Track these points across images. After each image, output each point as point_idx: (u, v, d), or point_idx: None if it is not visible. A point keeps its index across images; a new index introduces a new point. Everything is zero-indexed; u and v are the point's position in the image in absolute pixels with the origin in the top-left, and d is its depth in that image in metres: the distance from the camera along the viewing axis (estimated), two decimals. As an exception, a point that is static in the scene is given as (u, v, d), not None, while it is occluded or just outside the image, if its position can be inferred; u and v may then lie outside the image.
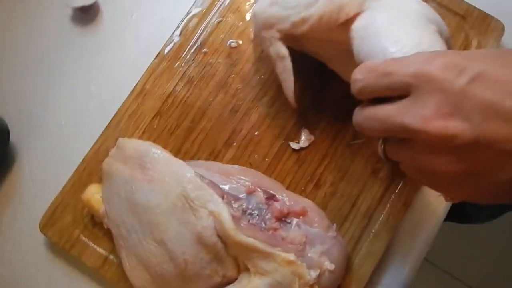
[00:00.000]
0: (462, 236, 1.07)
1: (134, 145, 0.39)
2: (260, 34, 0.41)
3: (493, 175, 0.25)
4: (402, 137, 0.28)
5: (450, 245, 1.02)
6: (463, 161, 0.25)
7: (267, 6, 0.39)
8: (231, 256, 0.35)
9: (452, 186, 0.27)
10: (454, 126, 0.24)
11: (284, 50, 0.39)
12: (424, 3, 0.38)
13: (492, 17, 0.47)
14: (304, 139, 0.45)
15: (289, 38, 0.40)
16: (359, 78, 0.30)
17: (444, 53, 0.27)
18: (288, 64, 0.40)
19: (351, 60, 0.36)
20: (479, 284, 1.11)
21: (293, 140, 0.45)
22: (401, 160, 0.30)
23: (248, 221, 0.35)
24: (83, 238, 0.44)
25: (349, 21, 0.37)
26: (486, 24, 0.47)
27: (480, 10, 0.47)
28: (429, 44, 0.31)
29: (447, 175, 0.26)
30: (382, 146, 0.31)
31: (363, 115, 0.30)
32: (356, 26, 0.36)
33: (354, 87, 0.30)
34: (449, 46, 0.38)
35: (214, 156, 0.45)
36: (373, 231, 0.43)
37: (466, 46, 0.47)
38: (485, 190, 0.26)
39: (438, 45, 0.32)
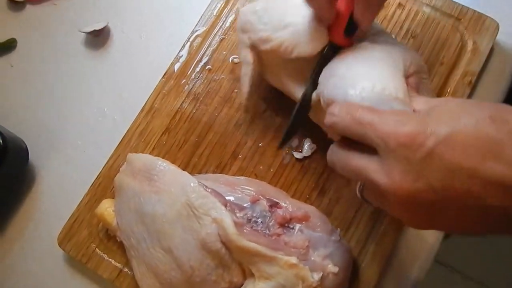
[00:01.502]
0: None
1: (142, 159, 0.41)
2: (238, 33, 0.44)
3: (460, 222, 0.28)
4: None
5: (459, 243, 1.00)
6: (430, 213, 0.28)
7: (250, 11, 0.42)
8: (236, 262, 0.37)
9: (424, 225, 0.30)
10: (418, 188, 0.27)
11: (249, 58, 0.42)
12: (393, 43, 0.39)
13: (486, 16, 0.48)
14: (307, 149, 0.46)
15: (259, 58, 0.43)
16: (335, 113, 0.32)
17: (411, 120, 0.29)
18: (249, 71, 0.42)
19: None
20: (492, 282, 1.08)
21: (296, 150, 0.47)
22: (376, 204, 0.33)
23: (251, 227, 0.37)
24: (99, 251, 0.46)
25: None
26: (481, 24, 0.48)
27: (474, 10, 0.49)
28: (383, 86, 0.34)
29: (417, 220, 0.30)
30: (361, 188, 0.34)
31: (338, 159, 0.33)
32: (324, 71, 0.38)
33: (328, 120, 0.33)
34: (421, 77, 0.39)
35: (221, 168, 0.47)
36: (379, 234, 0.43)
37: (462, 47, 0.48)
38: (458, 228, 0.29)
39: (391, 84, 0.34)
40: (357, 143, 0.31)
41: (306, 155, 0.46)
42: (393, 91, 0.33)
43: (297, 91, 0.42)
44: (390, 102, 0.33)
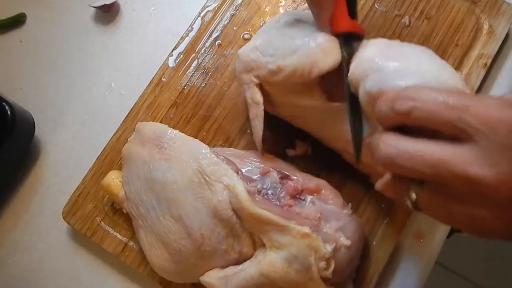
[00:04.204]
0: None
1: (152, 127, 0.40)
2: (240, 76, 0.41)
3: None
4: (445, 184, 0.25)
5: (461, 247, 1.00)
6: None
7: (249, 50, 0.40)
8: (247, 232, 0.36)
9: (499, 236, 0.26)
10: None
11: (259, 97, 0.39)
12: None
13: (502, 1, 0.48)
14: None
15: (266, 96, 0.40)
16: (414, 96, 0.26)
17: None
18: (260, 111, 0.39)
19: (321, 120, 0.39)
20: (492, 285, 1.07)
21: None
22: (437, 212, 0.27)
23: (263, 196, 0.36)
24: (104, 225, 0.46)
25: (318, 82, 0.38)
26: (497, 8, 0.48)
27: (490, -5, 0.48)
28: (446, 76, 0.32)
29: (498, 229, 0.25)
30: (414, 195, 0.27)
31: (399, 150, 0.26)
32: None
33: (405, 105, 0.26)
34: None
35: (228, 143, 0.46)
36: (389, 213, 0.42)
37: (477, 30, 0.47)
38: None
39: (457, 76, 0.33)
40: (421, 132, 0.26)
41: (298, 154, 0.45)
42: (457, 81, 0.32)
43: (313, 103, 0.39)
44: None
